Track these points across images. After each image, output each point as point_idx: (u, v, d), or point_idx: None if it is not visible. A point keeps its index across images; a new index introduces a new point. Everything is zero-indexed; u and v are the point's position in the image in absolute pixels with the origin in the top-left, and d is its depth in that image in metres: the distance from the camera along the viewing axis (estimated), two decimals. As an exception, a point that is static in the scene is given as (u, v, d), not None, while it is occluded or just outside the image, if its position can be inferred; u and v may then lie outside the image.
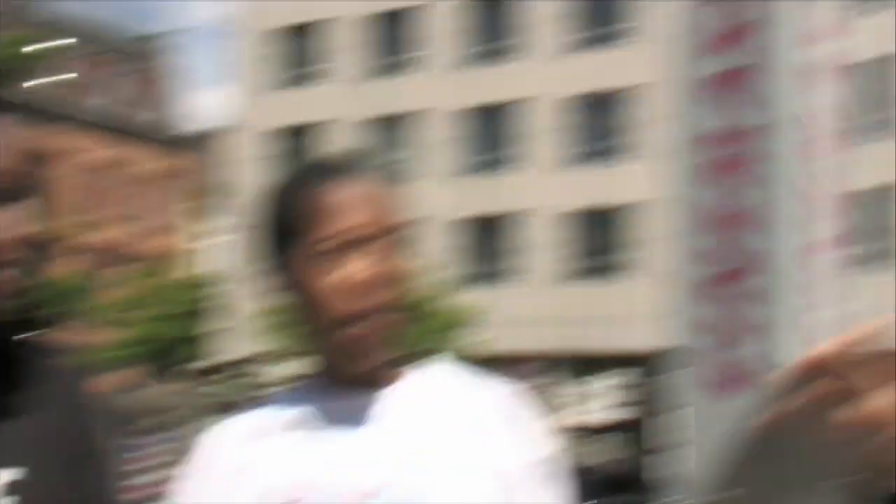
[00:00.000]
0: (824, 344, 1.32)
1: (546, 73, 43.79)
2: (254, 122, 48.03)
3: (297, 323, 2.05)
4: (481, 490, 2.01)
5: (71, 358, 2.05)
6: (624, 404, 48.42)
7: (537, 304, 42.53)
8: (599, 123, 43.49)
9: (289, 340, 40.01)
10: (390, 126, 46.29)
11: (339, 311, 1.95)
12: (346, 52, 47.49)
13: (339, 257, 1.96)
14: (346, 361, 2.00)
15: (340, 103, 46.70)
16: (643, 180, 39.95)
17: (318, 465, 1.98)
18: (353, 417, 2.03)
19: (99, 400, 2.09)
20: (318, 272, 1.96)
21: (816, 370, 1.35)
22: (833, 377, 1.34)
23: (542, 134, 43.80)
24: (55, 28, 53.50)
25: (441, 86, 45.50)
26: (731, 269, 13.56)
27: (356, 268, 1.95)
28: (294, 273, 1.99)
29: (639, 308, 40.53)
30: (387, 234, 1.99)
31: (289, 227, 1.99)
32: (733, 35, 13.89)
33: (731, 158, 13.67)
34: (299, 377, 2.15)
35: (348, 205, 1.98)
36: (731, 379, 13.70)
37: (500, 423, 2.07)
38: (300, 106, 47.42)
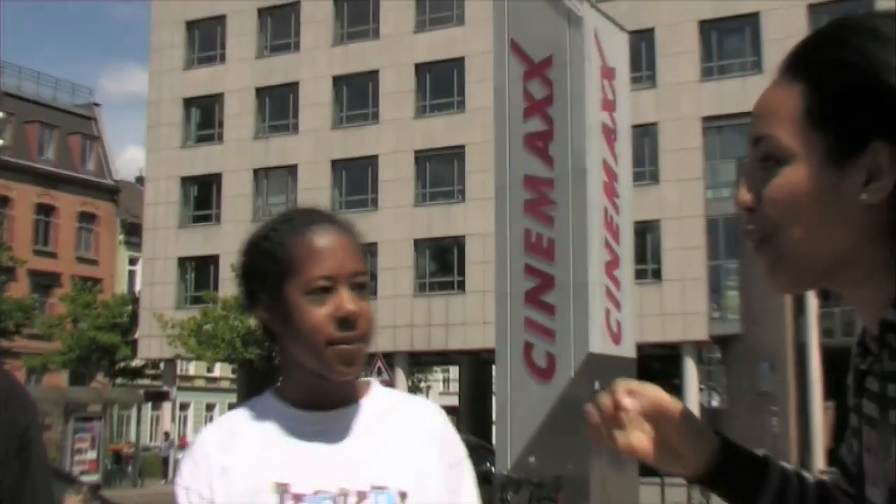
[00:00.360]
0: (622, 384, 1.44)
1: (399, 133, 43.98)
2: (165, 173, 47.52)
3: (283, 348, 1.98)
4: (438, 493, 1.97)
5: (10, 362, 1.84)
6: (458, 390, 48.57)
7: (392, 314, 42.61)
8: (443, 172, 43.70)
9: (203, 345, 39.87)
10: (276, 176, 46.02)
11: (332, 334, 1.88)
12: (238, 117, 47.16)
13: (330, 292, 1.90)
14: (333, 374, 1.91)
15: (234, 158, 46.36)
16: (476, 216, 40.42)
17: (301, 469, 1.90)
18: (329, 429, 1.95)
19: (28, 397, 1.98)
20: (313, 304, 1.89)
21: (610, 402, 1.44)
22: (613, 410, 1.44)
23: (399, 181, 43.92)
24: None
25: (315, 144, 45.38)
26: (547, 282, 13.83)
27: (343, 300, 1.90)
28: (286, 305, 1.91)
29: (473, 315, 40.90)
30: (361, 275, 1.95)
31: (284, 266, 1.92)
32: (544, 103, 14.19)
33: (544, 198, 13.95)
34: (253, 395, 2.08)
35: (335, 249, 1.93)
36: (548, 369, 13.96)
37: (436, 438, 2.02)
38: (203, 160, 47.00)
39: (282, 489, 1.88)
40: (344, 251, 1.94)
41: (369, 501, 1.89)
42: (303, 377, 1.95)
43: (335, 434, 1.95)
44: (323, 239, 1.94)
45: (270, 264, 1.94)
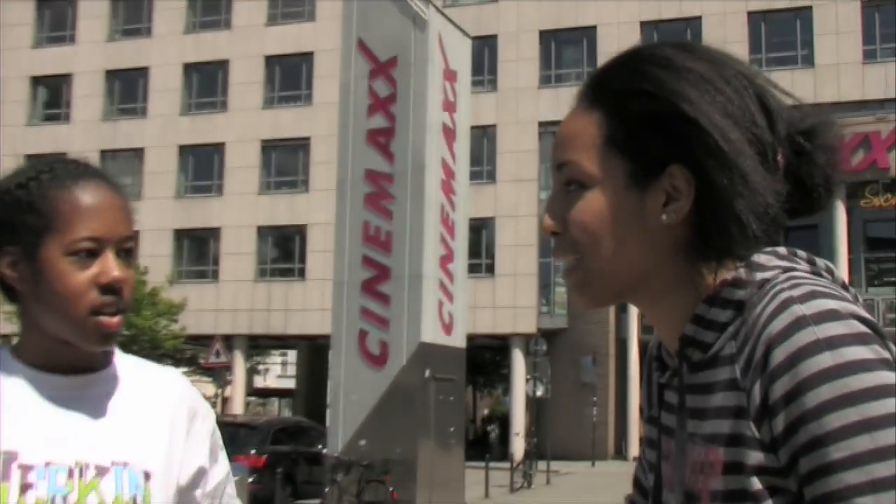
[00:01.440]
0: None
1: (247, 122, 43.49)
2: (9, 150, 45.93)
3: (27, 310, 1.71)
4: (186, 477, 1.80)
5: None
6: (295, 373, 48.31)
7: (233, 297, 42.14)
8: (288, 162, 43.39)
9: None
10: (124, 158, 44.96)
11: (94, 301, 1.64)
12: (86, 99, 45.91)
13: (95, 256, 1.65)
14: (89, 346, 1.68)
15: (80, 139, 45.11)
16: (319, 207, 40.26)
17: (33, 438, 1.65)
18: (70, 396, 1.70)
19: None
20: (75, 267, 1.64)
21: None
22: None
23: (245, 168, 43.42)
24: None
25: (163, 128, 44.53)
26: (383, 273, 13.93)
27: (110, 266, 1.65)
28: (41, 264, 1.65)
29: (312, 302, 40.75)
30: (130, 240, 1.71)
31: (42, 221, 1.65)
32: (387, 101, 14.28)
33: (384, 192, 14.06)
34: None
35: (105, 209, 1.67)
36: (381, 356, 14.06)
37: (184, 407, 1.83)
38: (49, 139, 45.57)
39: (9, 458, 1.62)
40: (115, 212, 1.69)
41: (109, 477, 1.66)
42: (45, 341, 1.69)
43: (76, 401, 1.69)
44: (93, 196, 1.67)
45: (27, 216, 1.65)
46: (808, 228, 33.36)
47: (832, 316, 1.14)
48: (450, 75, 14.92)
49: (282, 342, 48.21)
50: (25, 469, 1.61)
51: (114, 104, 46.16)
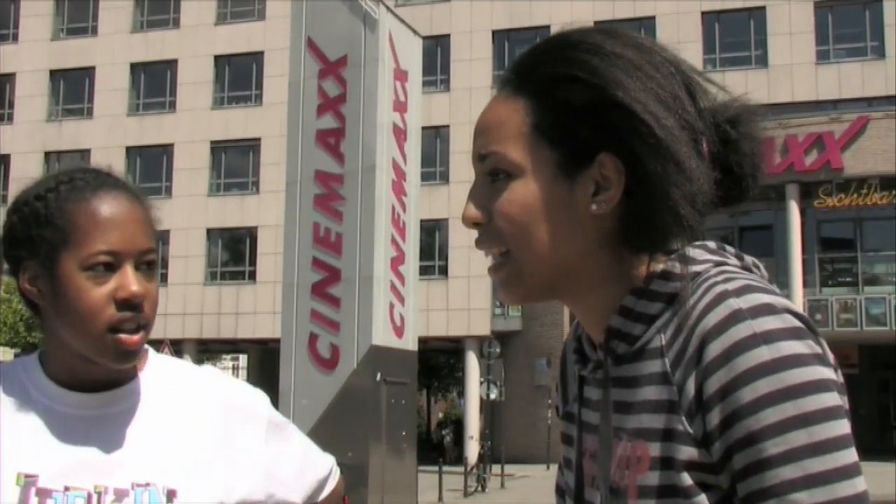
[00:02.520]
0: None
1: (196, 122, 43.21)
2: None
3: (48, 326, 1.66)
4: (235, 487, 1.72)
5: None
6: (245, 379, 48.09)
7: (182, 301, 41.84)
8: (238, 163, 43.20)
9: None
10: (69, 160, 44.44)
11: (112, 317, 1.59)
12: (30, 99, 45.41)
13: (114, 270, 1.60)
14: (109, 364, 1.63)
15: (24, 140, 44.62)
16: (269, 208, 40.09)
17: (53, 460, 1.61)
18: (93, 415, 1.66)
19: None
20: (92, 282, 1.59)
21: None
22: None
23: (194, 170, 43.14)
24: None
25: (110, 129, 44.15)
26: (334, 275, 13.85)
27: (128, 280, 1.60)
28: (59, 279, 1.60)
29: (263, 305, 40.56)
30: (151, 252, 1.65)
31: (59, 235, 1.60)
32: (337, 101, 14.21)
33: (334, 194, 13.98)
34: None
35: (123, 220, 1.61)
36: (332, 360, 13.98)
37: (221, 408, 1.76)
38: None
39: (28, 481, 1.59)
40: (134, 224, 1.63)
41: (128, 501, 1.61)
42: (67, 356, 1.65)
43: (99, 420, 1.65)
44: (111, 208, 1.62)
45: (44, 230, 1.61)
46: (762, 229, 33.71)
47: (768, 310, 1.14)
48: (401, 75, 14.88)
49: (233, 346, 47.95)
50: (44, 494, 1.58)
51: (58, 104, 45.67)
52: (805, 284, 32.01)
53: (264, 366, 45.33)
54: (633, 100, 1.20)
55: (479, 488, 26.51)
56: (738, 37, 38.67)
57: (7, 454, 1.60)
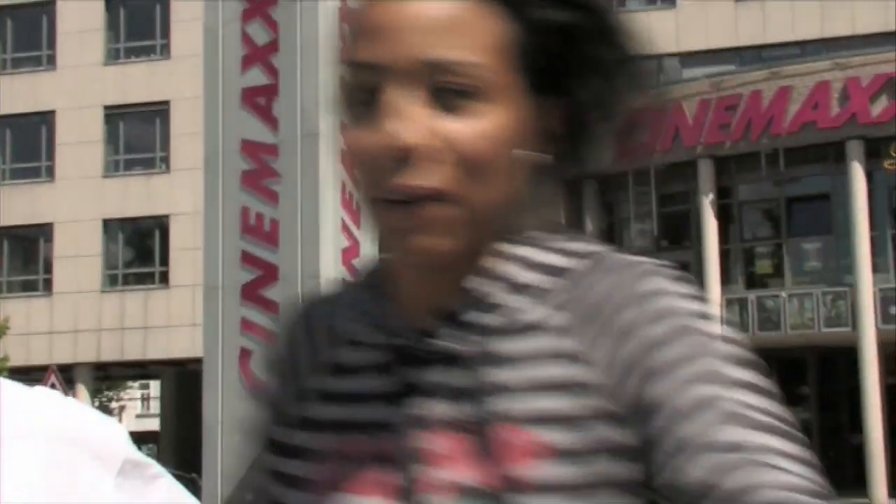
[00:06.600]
0: None
1: (83, 83, 43.04)
2: None
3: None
4: None
5: None
6: (159, 411, 48.14)
7: (73, 315, 41.75)
8: (142, 134, 43.14)
9: None
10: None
11: None
12: None
13: None
14: None
15: None
16: (184, 191, 40.00)
17: None
18: None
19: None
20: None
21: None
22: None
23: (83, 144, 42.99)
24: None
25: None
26: (269, 273, 13.88)
27: None
28: None
29: (179, 316, 40.54)
30: None
31: None
32: (267, 50, 14.22)
33: (266, 169, 14.00)
34: None
35: None
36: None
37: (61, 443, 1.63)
38: None
39: None
40: None
41: None
42: None
43: None
44: None
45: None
46: (816, 199, 33.81)
47: (686, 279, 1.30)
48: (349, 14, 14.91)
49: (141, 370, 47.92)
50: None
51: None
52: (875, 269, 31.46)
53: (182, 394, 45.27)
54: (622, 30, 1.33)
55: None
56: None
57: None
